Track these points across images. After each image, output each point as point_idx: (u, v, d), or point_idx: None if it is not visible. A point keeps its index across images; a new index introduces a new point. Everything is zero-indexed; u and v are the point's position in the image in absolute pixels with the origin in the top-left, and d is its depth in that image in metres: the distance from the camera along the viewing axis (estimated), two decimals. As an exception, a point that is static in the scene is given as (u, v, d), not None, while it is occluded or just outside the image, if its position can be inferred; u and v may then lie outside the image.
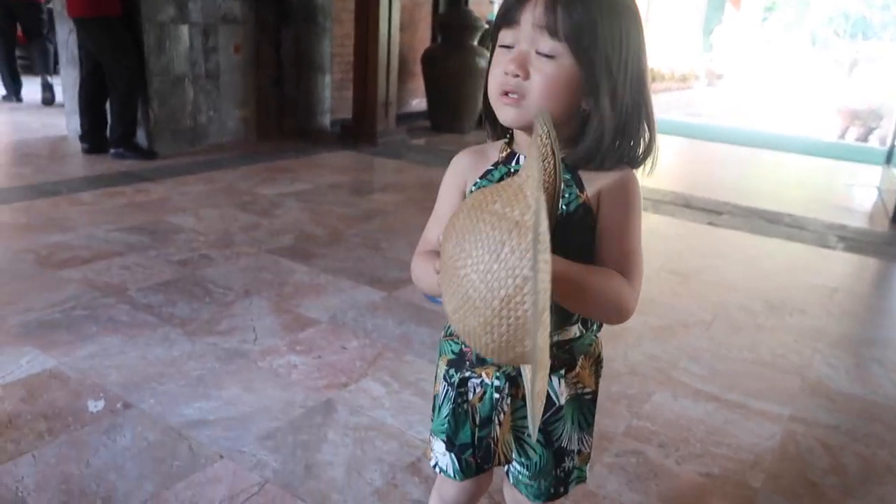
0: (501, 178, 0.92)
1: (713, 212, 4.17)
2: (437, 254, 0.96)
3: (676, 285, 2.82)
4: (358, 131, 5.58)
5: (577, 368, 0.97)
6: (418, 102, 7.02)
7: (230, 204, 3.60)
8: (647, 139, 0.89)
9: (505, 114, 0.87)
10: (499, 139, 0.96)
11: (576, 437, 1.01)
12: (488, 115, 0.92)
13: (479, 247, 0.65)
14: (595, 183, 0.89)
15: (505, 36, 0.85)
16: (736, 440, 1.81)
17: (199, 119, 4.98)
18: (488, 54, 0.93)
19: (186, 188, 3.85)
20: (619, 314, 0.84)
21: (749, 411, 1.96)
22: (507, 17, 0.84)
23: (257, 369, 1.98)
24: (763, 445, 1.80)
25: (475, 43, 6.35)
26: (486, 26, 6.62)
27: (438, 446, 1.03)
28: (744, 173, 6.01)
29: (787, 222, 4.07)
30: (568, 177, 0.89)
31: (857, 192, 5.35)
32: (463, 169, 0.97)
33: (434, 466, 1.05)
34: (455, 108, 6.35)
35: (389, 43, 5.48)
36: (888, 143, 5.73)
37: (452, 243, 0.69)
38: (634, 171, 0.91)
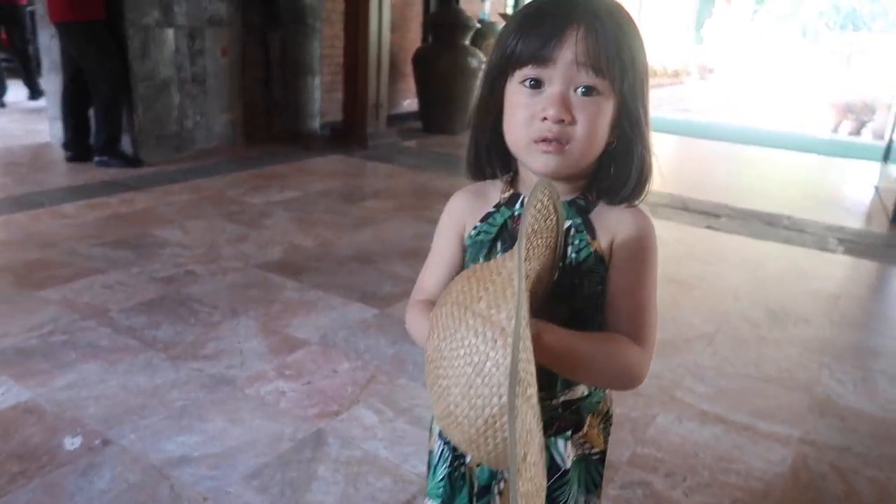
0: (505, 223, 0.84)
1: (711, 214, 4.10)
2: (431, 306, 0.88)
3: (678, 294, 2.74)
4: (348, 134, 5.48)
5: (585, 428, 0.90)
6: (409, 103, 6.93)
7: (217, 214, 3.50)
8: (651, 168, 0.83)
9: (544, 163, 0.78)
10: (493, 178, 0.88)
11: (582, 501, 0.93)
12: (486, 155, 0.84)
13: (461, 356, 0.58)
14: (608, 229, 0.81)
15: (528, 73, 0.76)
16: (745, 466, 1.74)
17: (186, 124, 4.87)
18: (482, 56, 0.84)
19: (172, 197, 3.75)
20: (627, 383, 0.77)
21: (757, 434, 1.89)
22: (539, 55, 0.74)
23: (244, 398, 1.89)
24: (773, 472, 1.73)
25: (467, 42, 6.26)
26: (478, 25, 6.52)
27: (434, 510, 0.95)
28: (739, 172, 5.94)
29: (785, 225, 4.00)
30: (579, 221, 0.82)
31: (854, 191, 5.28)
32: (460, 211, 0.89)
33: (429, 530, 0.97)
34: (447, 108, 6.25)
35: (380, 43, 5.38)
36: (885, 138, 5.68)
37: (434, 341, 0.62)
38: (646, 212, 0.83)
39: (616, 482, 1.65)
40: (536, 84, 0.75)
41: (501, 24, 6.12)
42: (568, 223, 0.81)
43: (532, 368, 0.57)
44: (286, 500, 1.51)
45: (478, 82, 0.86)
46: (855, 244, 3.72)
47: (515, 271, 0.58)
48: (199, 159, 4.71)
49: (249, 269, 2.79)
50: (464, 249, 0.88)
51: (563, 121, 0.74)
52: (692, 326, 2.51)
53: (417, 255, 3.05)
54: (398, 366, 2.11)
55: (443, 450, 0.93)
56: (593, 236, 0.81)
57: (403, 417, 1.85)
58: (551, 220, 0.68)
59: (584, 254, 0.80)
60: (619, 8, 0.77)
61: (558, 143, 0.76)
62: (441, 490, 0.93)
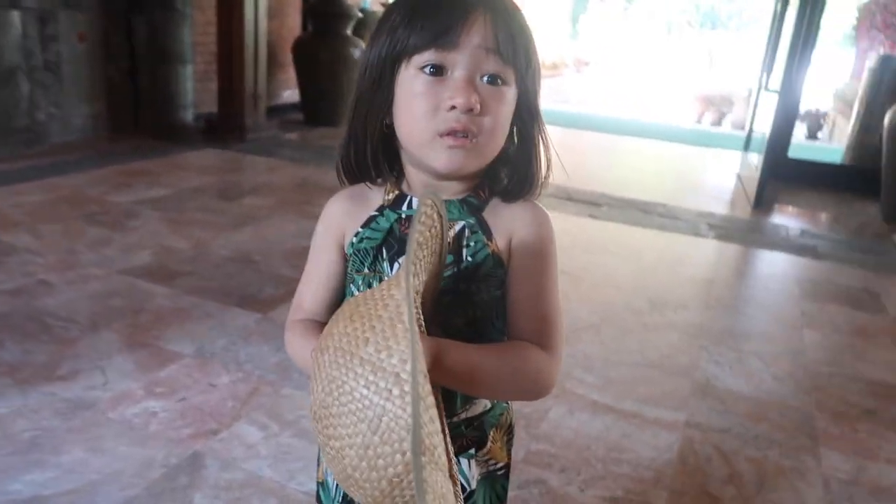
0: (391, 227, 0.76)
1: (593, 204, 4.22)
2: (311, 327, 0.79)
3: (566, 287, 2.77)
4: (224, 126, 5.19)
5: (489, 444, 0.84)
6: (290, 94, 6.67)
7: (76, 216, 3.18)
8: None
9: (449, 158, 0.70)
10: (376, 181, 0.79)
11: (488, 519, 0.87)
12: (371, 156, 0.75)
13: (352, 412, 0.50)
14: (504, 229, 0.76)
15: (429, 58, 0.68)
16: (635, 455, 1.76)
17: (38, 117, 4.41)
18: (364, 46, 0.76)
19: (21, 198, 3.36)
20: (536, 394, 0.72)
21: (644, 421, 1.92)
22: (443, 38, 0.67)
23: (107, 422, 1.70)
24: (662, 458, 1.76)
25: (349, 32, 6.09)
26: (360, 15, 6.37)
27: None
28: (616, 162, 6.18)
29: (660, 212, 4.18)
30: (472, 221, 0.75)
31: (719, 179, 5.62)
32: (338, 218, 0.80)
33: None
34: (330, 99, 6.06)
35: (256, 31, 5.12)
36: (745, 129, 6.09)
37: (319, 395, 0.54)
38: (542, 207, 0.79)
39: (513, 482, 1.60)
40: (438, 71, 0.68)
41: (383, 13, 6.01)
42: (461, 224, 0.75)
43: (437, 425, 0.50)
44: (157, 537, 1.36)
45: (359, 75, 0.76)
46: (723, 229, 3.94)
47: (404, 304, 0.50)
48: (55, 155, 4.28)
49: (113, 277, 2.54)
50: (345, 259, 0.80)
51: (471, 110, 0.67)
52: (580, 318, 2.54)
53: (301, 254, 2.90)
54: (283, 374, 1.98)
55: (337, 484, 0.84)
56: (489, 237, 0.75)
57: (289, 431, 1.73)
58: (436, 228, 0.61)
59: (480, 256, 0.74)
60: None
61: (465, 135, 0.69)
62: None
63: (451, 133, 0.68)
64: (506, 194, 0.77)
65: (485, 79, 0.69)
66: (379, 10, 7.06)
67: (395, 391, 0.49)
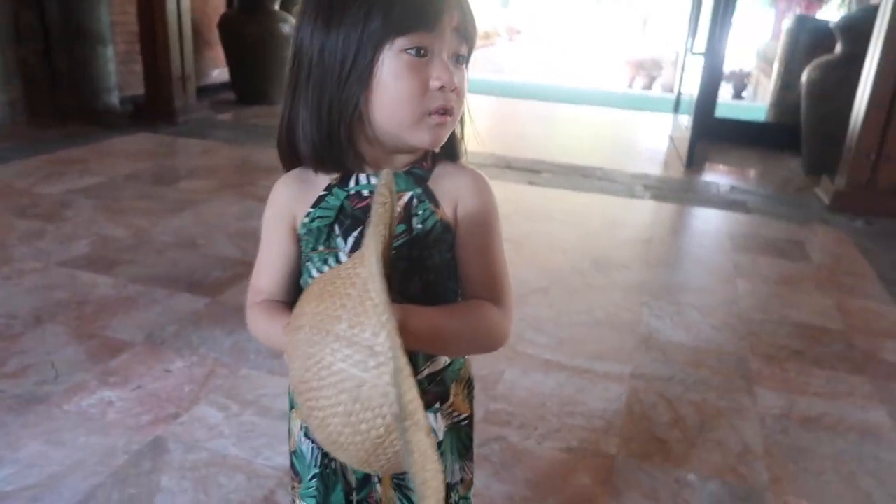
0: (342, 205, 0.78)
1: (532, 171, 4.30)
2: (274, 306, 0.81)
3: (511, 254, 2.81)
4: (153, 109, 5.02)
5: (451, 397, 0.89)
6: (219, 73, 6.49)
7: (3, 210, 3.05)
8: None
9: (436, 135, 0.74)
10: (343, 164, 0.79)
11: (458, 468, 0.93)
12: (344, 140, 0.75)
13: (332, 384, 0.54)
14: (449, 196, 0.80)
15: (415, 41, 0.70)
16: (587, 408, 1.85)
17: (-50, 106, 4.19)
18: (297, 22, 0.75)
19: (-57, 193, 3.21)
20: (492, 346, 0.77)
21: (595, 375, 2.02)
22: (426, 22, 0.69)
23: (63, 415, 1.67)
24: (612, 409, 1.86)
25: (277, 7, 5.95)
26: (287, -12, 6.22)
27: (307, 512, 0.89)
28: (552, 129, 6.28)
29: (598, 176, 4.30)
30: (419, 191, 0.79)
31: (652, 141, 5.79)
32: (286, 201, 0.82)
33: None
34: (260, 77, 5.94)
35: (179, 9, 4.94)
36: (674, 91, 6.27)
37: (298, 371, 0.58)
38: (482, 174, 0.83)
39: (474, 441, 1.68)
40: (423, 53, 0.70)
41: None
42: (409, 194, 0.78)
43: (414, 391, 0.54)
44: (127, 522, 1.36)
45: (308, 59, 0.74)
46: (658, 189, 4.09)
47: (370, 281, 0.54)
48: (-27, 146, 4.08)
49: (51, 269, 2.47)
50: (297, 240, 0.82)
51: (454, 89, 0.72)
52: (527, 282, 2.62)
53: (246, 235, 2.88)
54: (238, 356, 1.98)
55: (313, 450, 0.87)
56: (436, 205, 0.79)
57: (250, 410, 1.74)
58: (388, 202, 0.65)
59: (430, 223, 0.78)
60: None
61: (448, 112, 0.73)
62: (313, 490, 0.87)
63: (440, 111, 0.72)
64: (443, 159, 0.82)
65: (455, 58, 0.73)
66: (307, -17, 6.90)
67: (371, 363, 0.53)
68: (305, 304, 0.60)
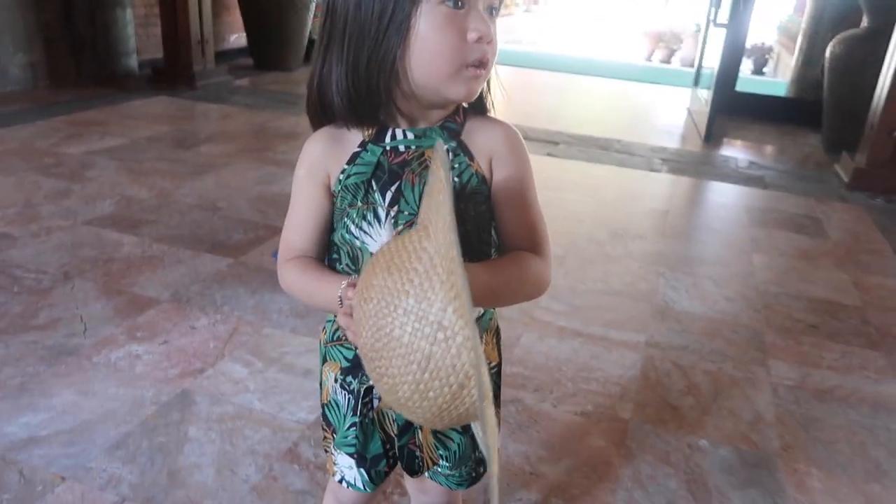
0: (378, 161, 0.80)
1: (550, 142, 4.29)
2: (309, 263, 0.83)
3: (527, 222, 2.85)
4: (172, 73, 5.03)
5: (484, 346, 0.91)
6: (237, 38, 6.47)
7: (28, 168, 3.10)
8: None
9: (471, 88, 0.75)
10: (378, 119, 0.81)
11: (487, 413, 0.96)
12: (384, 94, 0.76)
13: (402, 356, 0.58)
14: (483, 150, 0.82)
15: None
16: (603, 374, 1.89)
17: (-28, 67, 4.22)
18: None
19: (-32, 152, 3.25)
20: (538, 294, 0.81)
21: (611, 343, 2.04)
22: None
23: (92, 367, 1.73)
24: (627, 375, 1.89)
25: (295, -29, 5.90)
26: (305, -48, 6.16)
27: (344, 460, 0.93)
28: (570, 100, 6.23)
29: (616, 148, 4.28)
30: (454, 144, 0.81)
31: (671, 115, 5.74)
32: (318, 159, 0.82)
33: (340, 481, 0.95)
34: (279, 43, 5.92)
35: (198, -28, 4.92)
36: (694, 65, 6.19)
37: (368, 339, 0.61)
38: (513, 127, 0.85)
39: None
40: (460, 4, 0.71)
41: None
42: (444, 148, 0.80)
43: (485, 366, 0.58)
44: (157, 468, 1.42)
45: (343, 14, 0.74)
46: (676, 163, 4.07)
47: (437, 257, 0.58)
48: (-4, 107, 4.12)
49: (78, 227, 2.52)
50: (331, 198, 0.83)
51: (490, 41, 0.73)
52: (544, 250, 2.64)
53: (266, 199, 2.92)
54: (262, 315, 2.03)
55: (349, 400, 0.89)
56: (471, 158, 0.81)
57: (274, 367, 1.79)
58: (442, 178, 0.68)
59: (465, 176, 0.80)
60: None
61: (483, 65, 0.74)
62: (352, 439, 0.90)
63: (476, 64, 0.73)
64: (473, 112, 0.84)
65: (489, 10, 0.74)
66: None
67: (440, 336, 0.56)
68: (372, 275, 0.62)
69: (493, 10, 0.74)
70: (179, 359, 1.79)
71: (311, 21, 6.05)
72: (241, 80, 5.55)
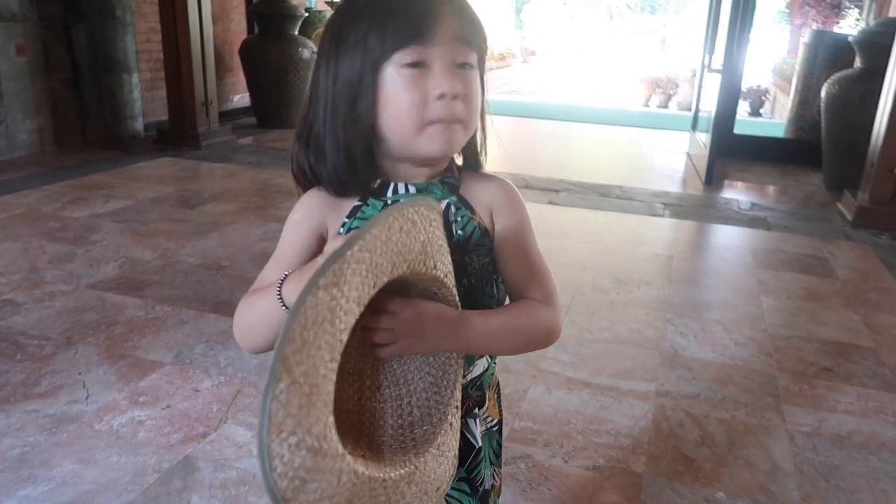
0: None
1: (551, 190, 4.31)
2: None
3: (531, 271, 2.84)
4: (177, 134, 5.11)
5: (487, 403, 0.91)
6: (240, 98, 6.60)
7: (34, 233, 3.12)
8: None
9: (444, 141, 0.75)
10: (366, 184, 0.81)
11: (489, 473, 0.94)
12: (363, 160, 0.78)
13: None
14: (483, 203, 0.84)
15: (410, 56, 0.72)
16: (613, 425, 1.85)
17: (-18, 134, 4.30)
18: (313, 46, 0.79)
19: (-25, 219, 3.29)
20: (548, 342, 0.81)
21: (619, 393, 2.01)
22: (420, 35, 0.72)
23: (94, 434, 1.70)
24: (639, 426, 1.85)
25: (296, 32, 6.06)
26: (306, 14, 6.34)
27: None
28: (570, 148, 6.30)
29: (618, 195, 4.30)
30: (455, 199, 0.82)
31: (670, 159, 5.79)
32: (317, 208, 0.82)
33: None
34: (281, 101, 6.03)
35: (202, 36, 5.04)
36: (691, 109, 6.26)
37: None
38: (508, 181, 0.87)
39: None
40: (419, 65, 0.73)
41: (330, 12, 5.95)
42: (445, 202, 0.82)
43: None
44: (159, 540, 1.38)
45: (325, 90, 0.77)
46: (678, 207, 4.08)
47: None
48: (3, 173, 4.18)
49: (81, 291, 2.52)
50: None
51: (456, 96, 0.74)
52: (549, 299, 2.62)
53: (269, 256, 2.90)
54: (265, 375, 1.99)
55: None
56: (472, 212, 0.82)
57: (278, 429, 1.75)
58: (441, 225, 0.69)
59: (469, 228, 0.82)
60: None
61: (453, 120, 0.75)
62: None
63: (442, 120, 0.74)
64: (466, 167, 0.86)
65: (460, 66, 0.75)
66: (325, 8, 7.03)
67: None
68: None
69: (464, 65, 0.75)
70: (182, 423, 1.76)
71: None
72: (244, 138, 5.64)
